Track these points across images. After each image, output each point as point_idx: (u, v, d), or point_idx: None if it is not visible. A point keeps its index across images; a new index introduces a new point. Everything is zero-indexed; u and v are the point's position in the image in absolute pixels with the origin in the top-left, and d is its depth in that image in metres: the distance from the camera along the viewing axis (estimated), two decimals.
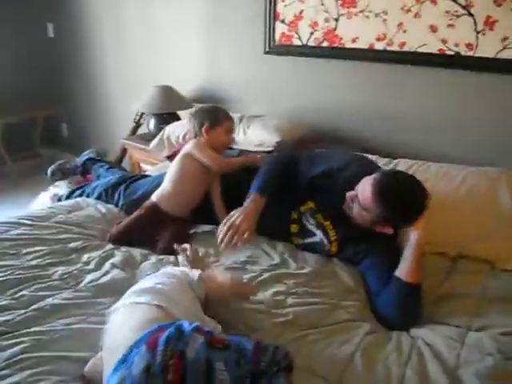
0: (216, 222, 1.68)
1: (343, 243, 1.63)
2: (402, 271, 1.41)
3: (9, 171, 3.75)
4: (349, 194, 1.52)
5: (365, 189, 1.46)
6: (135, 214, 1.83)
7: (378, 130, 2.27)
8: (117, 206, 2.01)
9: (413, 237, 1.44)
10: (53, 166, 2.56)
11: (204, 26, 2.80)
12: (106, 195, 2.05)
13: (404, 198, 1.43)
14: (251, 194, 1.65)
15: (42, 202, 2.52)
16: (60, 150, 4.07)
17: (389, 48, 2.16)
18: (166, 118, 2.86)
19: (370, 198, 1.43)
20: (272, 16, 2.45)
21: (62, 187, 2.63)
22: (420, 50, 2.07)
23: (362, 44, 2.23)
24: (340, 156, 1.77)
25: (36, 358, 1.10)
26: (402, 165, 1.93)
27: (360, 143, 2.26)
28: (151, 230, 1.79)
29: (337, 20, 2.26)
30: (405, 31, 2.10)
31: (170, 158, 2.38)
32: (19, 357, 1.10)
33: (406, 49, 2.11)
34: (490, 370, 1.10)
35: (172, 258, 1.63)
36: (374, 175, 1.47)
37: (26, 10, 3.71)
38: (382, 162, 1.99)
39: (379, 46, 2.18)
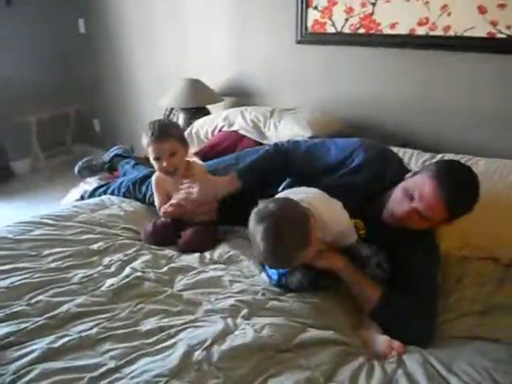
0: (237, 222, 1.67)
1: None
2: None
3: (42, 167, 3.77)
4: (402, 212, 1.32)
5: (430, 201, 1.27)
6: (159, 223, 1.76)
7: (419, 123, 2.10)
8: (144, 198, 1.95)
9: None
10: (80, 164, 2.52)
11: (233, 16, 2.69)
12: (134, 188, 1.99)
13: (473, 196, 1.30)
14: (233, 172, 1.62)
15: (72, 198, 2.49)
16: (92, 145, 4.08)
17: (431, 33, 1.98)
18: (195, 112, 2.77)
19: (440, 209, 1.27)
20: (304, 2, 2.31)
21: (92, 184, 2.60)
22: (466, 33, 1.89)
23: (401, 30, 2.06)
24: (342, 146, 1.58)
25: (43, 371, 1.04)
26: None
27: (400, 136, 2.10)
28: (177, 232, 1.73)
29: (374, 4, 2.10)
30: (449, 14, 1.92)
31: (198, 154, 2.30)
32: (26, 369, 1.04)
33: (450, 33, 1.94)
34: None
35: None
36: (431, 174, 1.29)
37: (57, 7, 3.71)
38: (424, 156, 1.84)
39: (421, 31, 2.01)
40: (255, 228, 1.18)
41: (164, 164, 1.66)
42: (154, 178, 1.79)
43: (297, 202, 1.24)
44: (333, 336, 1.19)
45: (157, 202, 1.79)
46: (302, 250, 1.19)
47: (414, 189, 1.31)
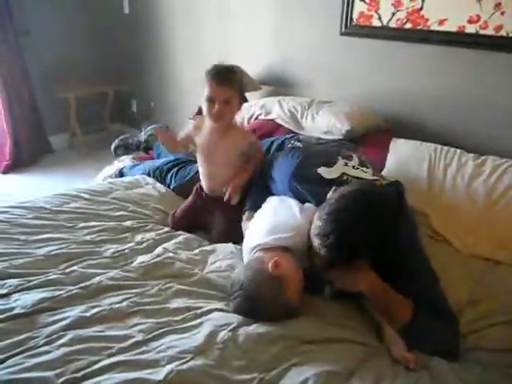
0: None
1: None
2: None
3: (78, 143, 3.86)
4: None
5: (324, 257, 1.18)
6: (187, 202, 1.79)
7: (461, 123, 2.04)
8: (169, 187, 1.98)
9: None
10: (116, 141, 2.57)
11: (277, 3, 2.66)
12: (160, 177, 2.02)
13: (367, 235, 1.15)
14: (247, 212, 1.60)
15: (106, 175, 2.54)
16: (128, 125, 4.14)
17: (482, 32, 1.92)
18: None
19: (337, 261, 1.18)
20: None
21: (125, 162, 2.65)
22: None
23: (450, 27, 2.00)
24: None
25: (75, 337, 1.08)
26: (490, 163, 1.71)
27: (440, 135, 2.05)
28: (204, 216, 1.75)
29: None
30: (503, 13, 1.85)
31: None
32: (59, 334, 1.09)
33: (502, 33, 1.87)
34: None
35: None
36: (315, 232, 1.18)
37: None
38: (466, 157, 1.79)
39: (470, 29, 1.94)
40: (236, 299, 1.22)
41: (216, 108, 1.58)
42: (198, 119, 1.79)
43: (266, 274, 1.20)
44: (358, 337, 1.18)
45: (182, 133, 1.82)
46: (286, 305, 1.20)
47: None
